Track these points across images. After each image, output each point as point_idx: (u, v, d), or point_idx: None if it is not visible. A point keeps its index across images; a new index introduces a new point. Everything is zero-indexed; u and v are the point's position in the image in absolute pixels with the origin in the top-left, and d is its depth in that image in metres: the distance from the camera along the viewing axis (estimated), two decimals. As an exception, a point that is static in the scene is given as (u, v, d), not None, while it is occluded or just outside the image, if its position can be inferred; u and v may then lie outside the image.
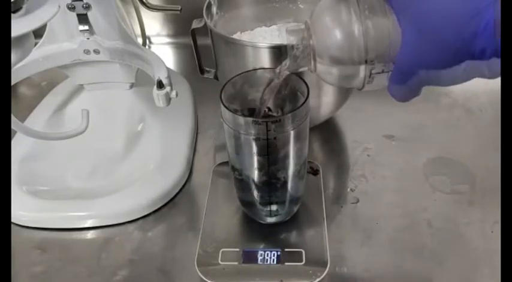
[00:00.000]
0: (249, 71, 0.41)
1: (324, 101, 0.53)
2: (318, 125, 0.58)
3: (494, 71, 0.27)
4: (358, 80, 0.34)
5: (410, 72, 0.30)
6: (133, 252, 0.46)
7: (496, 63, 0.26)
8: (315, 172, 0.52)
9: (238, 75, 0.40)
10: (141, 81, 0.61)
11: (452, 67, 0.28)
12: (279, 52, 0.47)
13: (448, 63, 0.28)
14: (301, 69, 0.37)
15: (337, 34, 0.32)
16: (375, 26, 0.31)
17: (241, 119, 0.37)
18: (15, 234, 0.48)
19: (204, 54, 0.57)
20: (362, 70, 0.33)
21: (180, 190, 0.52)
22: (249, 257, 0.43)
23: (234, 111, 0.38)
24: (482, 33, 0.26)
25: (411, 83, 0.31)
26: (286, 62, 0.38)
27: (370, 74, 0.33)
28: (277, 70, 0.39)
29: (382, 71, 0.33)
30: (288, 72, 0.38)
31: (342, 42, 0.32)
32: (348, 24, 0.32)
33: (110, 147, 0.57)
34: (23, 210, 0.48)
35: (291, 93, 0.41)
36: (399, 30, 0.30)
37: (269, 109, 0.42)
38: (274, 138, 0.38)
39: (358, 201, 0.50)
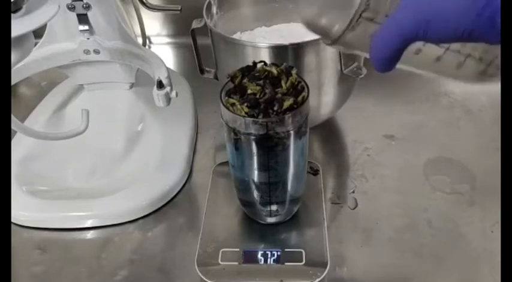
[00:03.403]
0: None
1: (324, 101, 0.53)
2: (318, 125, 0.58)
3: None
4: (343, 20, 0.31)
5: (406, 34, 0.29)
6: (133, 252, 0.46)
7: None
8: (315, 172, 0.52)
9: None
10: (141, 81, 0.61)
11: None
12: (279, 52, 0.47)
13: (448, 27, 0.27)
14: None
15: None
16: None
17: (241, 119, 0.37)
18: (15, 234, 0.48)
19: (204, 54, 0.57)
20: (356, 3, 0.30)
21: (180, 190, 0.52)
22: (249, 257, 0.43)
23: (233, 105, 0.38)
24: None
25: (396, 48, 0.29)
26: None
27: (360, 16, 0.30)
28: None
29: (372, 20, 0.31)
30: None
31: None
32: None
33: (110, 147, 0.57)
34: (23, 210, 0.48)
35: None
36: None
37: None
38: (274, 138, 0.38)
39: (358, 201, 0.50)
